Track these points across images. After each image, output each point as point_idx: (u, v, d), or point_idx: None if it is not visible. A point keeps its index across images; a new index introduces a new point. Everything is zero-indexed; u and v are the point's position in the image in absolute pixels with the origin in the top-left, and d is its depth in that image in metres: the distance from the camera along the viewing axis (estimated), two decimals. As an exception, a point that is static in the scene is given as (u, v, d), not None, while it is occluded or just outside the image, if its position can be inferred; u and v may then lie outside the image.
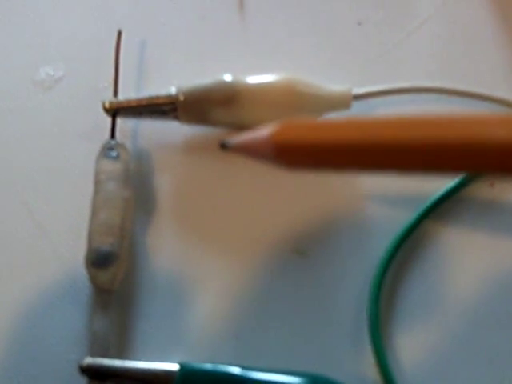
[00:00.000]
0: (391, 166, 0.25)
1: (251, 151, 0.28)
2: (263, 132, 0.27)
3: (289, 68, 0.37)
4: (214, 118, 0.36)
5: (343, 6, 0.41)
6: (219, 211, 0.36)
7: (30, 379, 0.33)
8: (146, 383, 0.30)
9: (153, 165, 0.37)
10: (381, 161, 0.25)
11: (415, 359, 0.33)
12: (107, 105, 0.36)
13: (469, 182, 0.35)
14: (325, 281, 0.34)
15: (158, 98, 0.36)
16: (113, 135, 0.36)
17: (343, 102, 0.36)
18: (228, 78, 0.36)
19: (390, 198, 0.36)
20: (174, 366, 0.30)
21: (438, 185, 0.35)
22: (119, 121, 0.37)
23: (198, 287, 0.34)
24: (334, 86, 0.36)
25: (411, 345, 0.33)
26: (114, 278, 0.33)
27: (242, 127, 0.34)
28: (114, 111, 0.36)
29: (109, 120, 0.36)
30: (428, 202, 0.35)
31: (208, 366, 0.31)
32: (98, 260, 0.32)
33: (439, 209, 0.35)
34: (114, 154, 0.35)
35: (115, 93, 0.37)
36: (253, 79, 0.36)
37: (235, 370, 0.30)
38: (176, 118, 0.36)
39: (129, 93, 0.38)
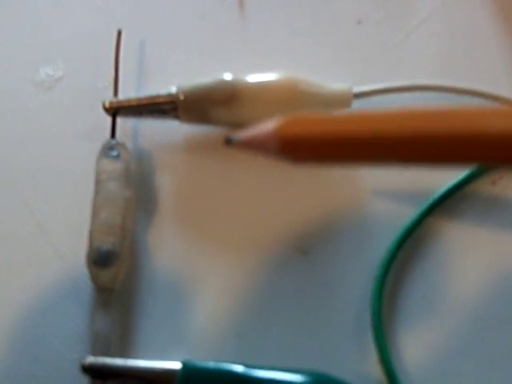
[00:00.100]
0: (396, 158, 0.25)
1: (256, 146, 0.28)
2: (268, 126, 0.27)
3: (289, 67, 0.37)
4: (215, 117, 0.36)
5: (343, 4, 0.41)
6: (220, 210, 0.36)
7: (32, 378, 0.33)
8: (148, 382, 0.30)
9: (153, 164, 0.37)
10: (385, 153, 0.25)
11: (418, 357, 0.33)
12: (107, 104, 0.36)
13: (470, 180, 0.35)
14: (327, 279, 0.34)
15: (158, 97, 0.36)
16: (113, 135, 0.36)
17: (344, 100, 0.36)
18: (228, 76, 0.36)
19: (391, 196, 0.36)
20: (176, 365, 0.30)
21: (440, 182, 0.35)
22: (119, 120, 0.37)
23: (200, 286, 0.34)
24: (335, 84, 0.36)
25: (414, 342, 0.33)
26: (115, 277, 0.33)
27: (242, 126, 0.33)
28: (114, 111, 0.36)
29: (109, 120, 0.36)
30: (430, 200, 0.35)
31: (210, 365, 0.31)
32: (100, 259, 0.32)
33: (441, 207, 0.35)
34: (114, 153, 0.35)
35: (115, 92, 0.37)
36: (253, 78, 0.36)
37: (238, 368, 0.30)
38: (176, 117, 0.36)
39: (129, 92, 0.38)
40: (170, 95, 0.36)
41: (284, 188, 0.36)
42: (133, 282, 0.34)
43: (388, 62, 0.39)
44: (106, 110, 0.36)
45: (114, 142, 0.36)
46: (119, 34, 0.38)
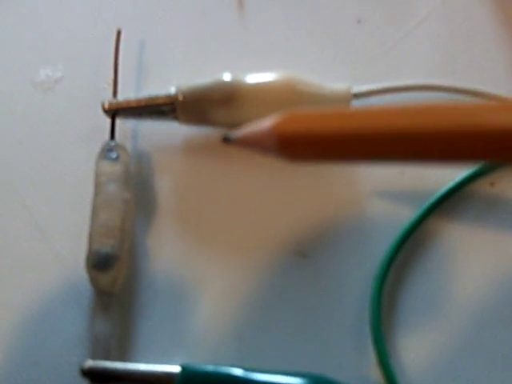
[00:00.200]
0: (395, 154, 0.25)
1: (254, 144, 0.28)
2: (265, 124, 0.27)
3: (288, 67, 0.37)
4: (214, 118, 0.36)
5: (343, 4, 0.41)
6: (220, 212, 0.36)
7: (32, 382, 0.33)
8: (147, 385, 0.31)
9: (153, 166, 0.37)
10: (385, 149, 0.25)
11: (417, 359, 0.33)
12: (106, 105, 0.36)
13: (469, 181, 0.35)
14: (327, 282, 0.34)
15: (157, 98, 0.36)
16: (112, 136, 0.36)
17: (343, 100, 0.36)
18: (227, 77, 0.36)
19: (391, 197, 0.36)
20: (175, 368, 0.30)
21: (439, 184, 0.35)
22: (119, 122, 0.37)
23: (200, 289, 0.34)
24: (334, 84, 0.36)
25: (413, 345, 0.33)
26: (114, 280, 0.33)
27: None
28: (114, 112, 0.36)
29: (108, 121, 0.36)
30: (429, 201, 0.35)
31: (210, 368, 0.31)
32: (99, 262, 0.32)
33: (440, 208, 0.35)
34: (113, 155, 0.35)
35: (114, 93, 0.37)
36: (252, 78, 0.36)
37: (237, 372, 0.30)
38: (175, 118, 0.36)
39: (128, 93, 0.38)
40: (169, 96, 0.36)
41: (283, 190, 0.36)
42: (132, 285, 0.34)
43: (387, 62, 0.39)
44: (106, 111, 0.36)
45: (113, 143, 0.36)
46: (118, 34, 0.38)
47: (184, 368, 0.30)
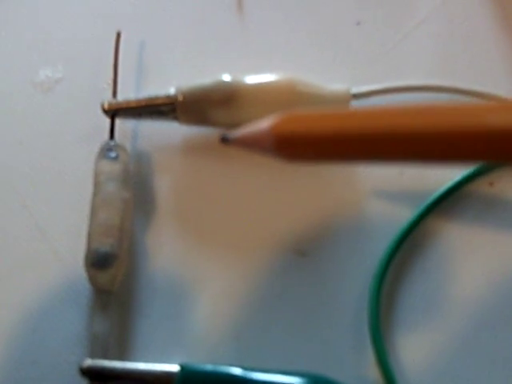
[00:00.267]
0: (394, 155, 0.25)
1: (252, 144, 0.28)
2: (263, 124, 0.27)
3: (288, 68, 0.37)
4: (213, 118, 0.36)
5: (342, 5, 0.41)
6: (219, 211, 0.36)
7: (30, 381, 0.33)
8: (146, 385, 0.31)
9: (152, 165, 0.37)
10: (383, 150, 0.25)
11: (416, 359, 0.33)
12: (106, 106, 0.36)
13: (468, 181, 0.35)
14: (325, 281, 0.34)
15: (156, 98, 0.36)
16: (112, 136, 0.36)
17: (342, 100, 0.36)
18: (227, 78, 0.36)
19: (389, 197, 0.36)
20: (174, 367, 0.30)
21: (438, 184, 0.35)
22: (118, 122, 0.37)
23: (199, 288, 0.34)
24: (333, 85, 0.36)
25: (412, 344, 0.33)
26: (113, 279, 0.33)
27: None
28: (113, 112, 0.36)
29: (108, 121, 0.36)
30: (428, 201, 0.35)
31: (208, 367, 0.31)
32: (98, 261, 0.32)
33: (439, 208, 0.35)
34: (113, 154, 0.35)
35: (114, 94, 0.37)
36: (252, 79, 0.36)
37: (236, 371, 0.30)
38: (175, 118, 0.36)
39: (128, 94, 0.38)
40: (168, 96, 0.36)
41: (283, 190, 0.36)
42: (131, 284, 0.34)
43: (387, 63, 0.39)
44: (105, 111, 0.36)
45: (112, 143, 0.36)
46: (118, 35, 0.38)
47: (183, 367, 0.30)
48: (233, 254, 0.35)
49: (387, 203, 0.36)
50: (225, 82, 0.36)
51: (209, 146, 0.37)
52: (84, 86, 0.39)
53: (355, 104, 0.36)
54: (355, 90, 0.36)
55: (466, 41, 0.40)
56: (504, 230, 0.35)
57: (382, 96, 0.37)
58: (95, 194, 0.34)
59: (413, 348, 0.33)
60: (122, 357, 0.33)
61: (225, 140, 0.29)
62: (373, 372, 0.32)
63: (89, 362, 0.31)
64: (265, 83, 0.36)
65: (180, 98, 0.36)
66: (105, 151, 0.35)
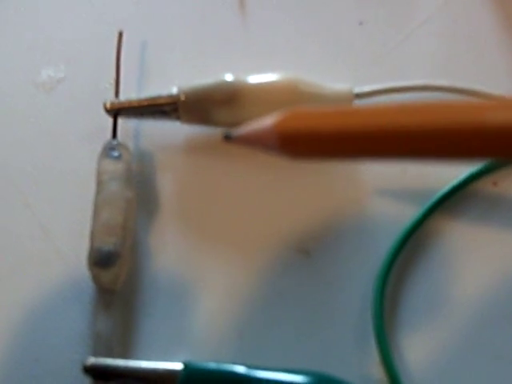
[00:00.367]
0: (397, 152, 0.25)
1: (255, 142, 0.28)
2: (267, 122, 0.27)
3: (290, 67, 0.37)
4: (216, 118, 0.36)
5: (344, 5, 0.41)
6: (222, 210, 0.36)
7: (33, 379, 0.33)
8: (149, 383, 0.30)
9: (155, 165, 0.37)
10: (386, 147, 0.25)
11: (420, 358, 0.33)
12: (108, 105, 0.36)
13: (472, 180, 0.35)
14: (329, 280, 0.34)
15: (159, 98, 0.36)
16: (114, 135, 0.36)
17: (345, 100, 0.36)
18: (229, 77, 0.36)
19: (393, 196, 0.36)
20: (177, 366, 0.30)
21: (442, 183, 0.35)
22: (121, 121, 0.37)
23: (202, 286, 0.34)
24: (336, 84, 0.36)
25: (416, 343, 0.33)
26: (116, 277, 0.33)
27: (243, 127, 0.34)
28: (116, 112, 0.36)
29: (110, 120, 0.36)
30: (431, 200, 0.35)
31: (212, 365, 0.31)
32: (101, 260, 0.32)
33: (443, 207, 0.35)
34: (115, 153, 0.35)
35: (116, 93, 0.37)
36: (254, 79, 0.36)
37: (240, 369, 0.30)
38: (177, 118, 0.36)
39: (130, 93, 0.38)
40: (171, 96, 0.36)
41: (286, 188, 0.36)
42: (134, 283, 0.34)
43: (389, 63, 0.39)
44: (107, 110, 0.36)
45: (115, 142, 0.36)
46: (120, 35, 0.38)
47: (186, 365, 0.30)
48: (236, 253, 0.35)
49: (391, 202, 0.36)
50: (227, 81, 0.36)
51: (211, 145, 0.37)
52: (86, 85, 0.39)
53: (358, 104, 0.36)
54: (357, 89, 0.37)
55: (469, 41, 0.40)
56: (508, 229, 0.35)
57: (385, 96, 0.37)
58: (98, 193, 0.34)
59: (417, 347, 0.33)
60: (125, 355, 0.33)
61: (228, 138, 0.29)
62: (377, 371, 0.32)
63: (92, 361, 0.31)
64: (267, 83, 0.36)
65: (182, 98, 0.36)
66: (107, 150, 0.35)
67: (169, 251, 0.35)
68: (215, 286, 0.34)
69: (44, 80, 0.40)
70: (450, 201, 0.35)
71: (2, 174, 0.37)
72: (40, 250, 0.35)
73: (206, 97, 0.36)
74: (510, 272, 0.34)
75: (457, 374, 0.32)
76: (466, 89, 0.37)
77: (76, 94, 0.39)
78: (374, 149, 0.25)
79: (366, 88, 0.37)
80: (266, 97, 0.36)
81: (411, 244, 0.34)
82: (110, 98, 0.37)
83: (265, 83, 0.36)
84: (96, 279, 0.33)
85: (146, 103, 0.36)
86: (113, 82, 0.38)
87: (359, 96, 0.37)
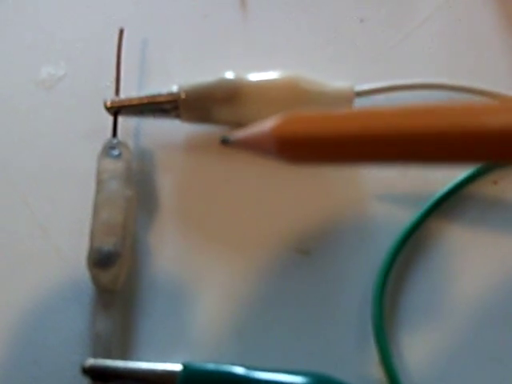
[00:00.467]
0: (396, 156, 0.25)
1: (253, 146, 0.28)
2: (265, 126, 0.27)
3: (291, 65, 0.37)
4: (216, 116, 0.36)
5: (346, 3, 0.41)
6: (222, 210, 0.36)
7: (32, 380, 0.33)
8: (148, 384, 0.30)
9: (155, 163, 0.37)
10: (385, 151, 0.25)
11: (419, 358, 0.33)
12: (109, 103, 0.36)
13: (472, 180, 0.35)
14: (328, 280, 0.34)
15: (159, 96, 0.36)
16: (114, 134, 0.36)
17: (346, 98, 0.36)
18: (230, 75, 0.36)
19: (393, 196, 0.36)
20: (176, 367, 0.30)
21: (442, 183, 0.35)
22: (121, 120, 0.37)
23: (201, 287, 0.34)
24: (337, 82, 0.36)
25: (415, 343, 0.33)
26: (116, 278, 0.32)
27: (244, 125, 0.33)
28: (116, 110, 0.36)
29: (110, 119, 0.36)
30: (432, 200, 0.35)
31: (211, 366, 0.30)
32: (100, 260, 0.32)
33: (442, 207, 0.35)
34: (115, 152, 0.35)
35: (117, 91, 0.37)
36: (255, 77, 0.36)
37: (239, 370, 0.30)
38: (178, 116, 0.36)
39: (130, 91, 0.38)
40: (171, 94, 0.36)
41: (286, 189, 0.36)
42: (133, 283, 0.34)
43: (390, 61, 0.39)
44: (108, 109, 0.36)
45: (115, 141, 0.36)
46: (121, 32, 0.38)
47: (186, 366, 0.30)
48: (235, 252, 0.35)
49: (391, 202, 0.35)
50: (228, 79, 0.36)
51: (211, 143, 0.37)
52: (86, 83, 0.39)
53: (359, 101, 0.36)
54: (358, 87, 0.36)
55: (469, 39, 0.40)
56: (509, 228, 0.35)
57: (386, 94, 0.37)
58: (98, 192, 0.34)
59: (416, 347, 0.33)
60: (124, 356, 0.33)
61: (225, 142, 0.29)
62: (376, 371, 0.32)
63: (91, 362, 0.31)
64: (268, 81, 0.36)
65: (182, 96, 0.35)
66: (107, 149, 0.35)
67: (169, 251, 0.35)
68: (215, 286, 0.34)
69: (44, 78, 0.40)
70: (451, 200, 0.35)
71: (0, 173, 0.37)
72: (39, 249, 0.35)
73: (207, 95, 0.36)
74: (509, 272, 0.34)
75: (455, 374, 0.32)
76: (466, 87, 0.37)
77: (76, 91, 0.39)
78: (372, 153, 0.25)
79: (367, 86, 0.37)
80: (266, 95, 0.36)
81: (411, 244, 0.34)
82: (110, 95, 0.37)
83: (266, 81, 0.36)
84: (95, 279, 0.32)
85: (146, 101, 0.36)
86: (113, 79, 0.38)
87: (360, 94, 0.36)
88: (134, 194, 0.35)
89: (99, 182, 0.34)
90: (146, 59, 0.40)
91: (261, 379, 0.30)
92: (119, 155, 0.35)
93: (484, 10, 0.40)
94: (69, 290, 0.34)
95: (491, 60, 0.39)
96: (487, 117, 0.23)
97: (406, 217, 0.35)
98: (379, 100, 0.37)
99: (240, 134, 0.29)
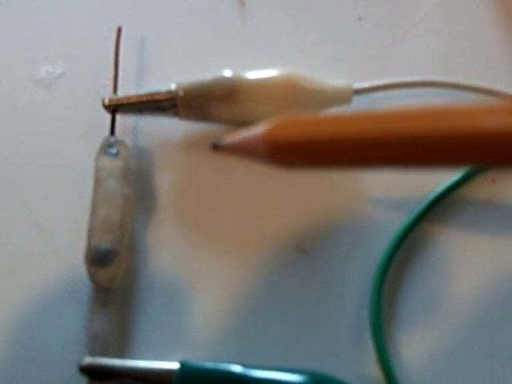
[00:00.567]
0: (389, 161, 0.25)
1: (244, 151, 0.28)
2: (256, 131, 0.26)
3: (289, 63, 0.37)
4: (215, 114, 0.36)
5: (344, 1, 0.41)
6: (220, 208, 0.36)
7: (29, 379, 0.33)
8: (146, 382, 0.30)
9: (153, 161, 0.37)
10: (379, 155, 0.24)
11: (417, 357, 0.33)
12: (107, 102, 0.36)
13: (470, 179, 0.35)
14: (326, 279, 0.34)
15: (157, 94, 0.36)
16: (112, 132, 0.36)
17: (344, 96, 0.36)
18: (228, 73, 0.36)
19: (390, 196, 0.36)
20: (174, 365, 0.30)
21: (438, 185, 0.35)
22: (119, 118, 0.37)
23: (199, 285, 0.34)
24: (335, 80, 0.36)
25: (413, 342, 0.33)
26: (113, 276, 0.32)
27: (242, 123, 0.33)
28: (114, 108, 0.36)
29: (108, 117, 0.36)
30: (428, 199, 0.35)
31: (208, 365, 0.30)
32: (98, 258, 0.32)
33: (441, 206, 0.35)
34: (113, 150, 0.35)
35: (115, 89, 0.37)
36: (253, 74, 0.36)
37: (236, 369, 0.30)
38: (176, 114, 0.36)
39: (128, 89, 0.38)
40: (169, 92, 0.36)
41: (284, 188, 0.36)
42: (131, 282, 0.34)
43: (388, 59, 0.39)
44: (106, 107, 0.36)
45: (113, 139, 0.36)
46: (119, 31, 0.38)
47: (183, 365, 0.30)
48: (233, 251, 0.35)
49: (388, 202, 0.35)
50: (226, 77, 0.35)
51: (209, 142, 0.36)
52: (85, 81, 0.39)
53: (357, 99, 0.36)
54: (357, 85, 0.36)
55: (467, 37, 0.40)
56: (507, 226, 0.35)
57: (384, 92, 0.37)
58: (96, 190, 0.34)
59: (413, 346, 0.33)
60: (121, 354, 0.33)
61: (216, 147, 0.29)
62: (374, 370, 0.32)
63: (88, 360, 0.31)
64: (266, 79, 0.36)
65: (181, 94, 0.35)
66: (105, 147, 0.35)
67: (166, 249, 0.35)
68: (212, 285, 0.34)
69: (43, 76, 0.40)
70: (449, 199, 0.35)
71: (-2, 171, 0.38)
72: (37, 247, 0.35)
73: (205, 93, 0.35)
74: (506, 272, 0.34)
75: (452, 373, 0.32)
76: (464, 84, 0.37)
77: (74, 90, 0.39)
78: (365, 157, 0.25)
79: (365, 84, 0.37)
80: (265, 93, 0.35)
81: (408, 244, 0.34)
82: (108, 94, 0.37)
83: (264, 79, 0.36)
84: (93, 278, 0.32)
85: (144, 99, 0.36)
86: (111, 78, 0.38)
87: (358, 92, 0.36)
88: (131, 192, 0.35)
89: (97, 180, 0.34)
90: (144, 57, 0.40)
91: (258, 378, 0.30)
92: (117, 153, 0.35)
93: (482, 7, 0.40)
94: (66, 288, 0.34)
95: (489, 57, 0.39)
96: (480, 119, 0.23)
97: (403, 216, 0.34)
98: (378, 98, 0.37)
99: (231, 138, 0.28)
